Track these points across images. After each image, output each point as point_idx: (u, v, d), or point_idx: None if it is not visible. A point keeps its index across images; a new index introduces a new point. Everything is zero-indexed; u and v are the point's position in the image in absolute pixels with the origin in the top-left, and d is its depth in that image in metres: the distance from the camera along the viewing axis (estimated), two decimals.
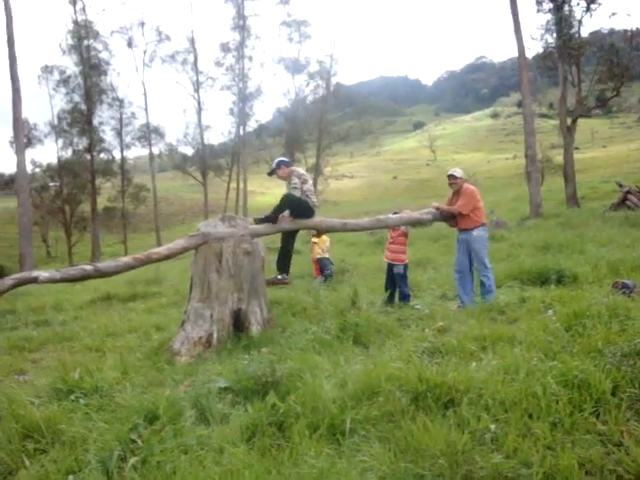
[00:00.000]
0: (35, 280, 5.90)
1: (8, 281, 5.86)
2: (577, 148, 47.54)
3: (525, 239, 14.59)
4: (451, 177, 8.09)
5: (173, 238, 7.20)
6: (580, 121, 31.42)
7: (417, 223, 8.78)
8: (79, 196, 48.75)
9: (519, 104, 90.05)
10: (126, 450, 3.53)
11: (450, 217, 8.18)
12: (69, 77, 47.31)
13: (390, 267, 8.83)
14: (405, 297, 8.56)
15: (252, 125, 54.08)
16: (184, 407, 4.06)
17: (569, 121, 28.85)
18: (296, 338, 6.08)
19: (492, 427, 3.39)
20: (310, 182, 7.98)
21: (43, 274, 5.90)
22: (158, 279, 15.13)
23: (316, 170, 45.67)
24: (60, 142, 48.60)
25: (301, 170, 8.15)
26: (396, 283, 8.75)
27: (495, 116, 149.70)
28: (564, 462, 2.99)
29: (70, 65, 47.40)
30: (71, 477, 3.28)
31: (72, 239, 47.92)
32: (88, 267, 6.13)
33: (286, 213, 7.54)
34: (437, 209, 8.13)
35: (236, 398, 4.33)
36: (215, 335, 6.47)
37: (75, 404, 4.54)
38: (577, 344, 4.59)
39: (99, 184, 48.80)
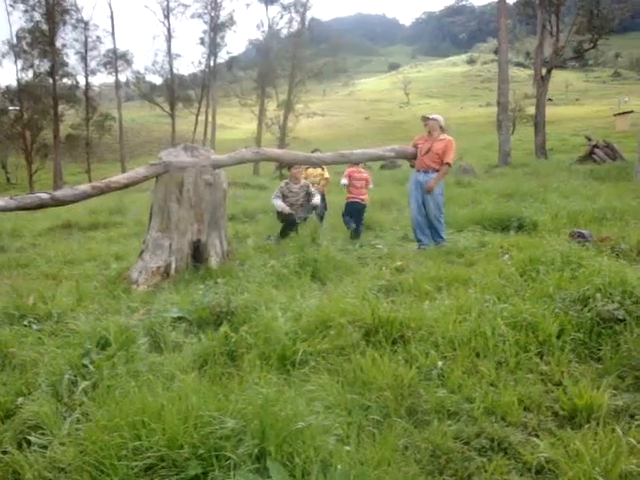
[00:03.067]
0: None
1: None
2: (550, 99, 47.62)
3: (491, 186, 14.74)
4: (425, 119, 8.12)
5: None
6: (555, 72, 31.42)
7: (379, 159, 8.79)
8: (41, 122, 47.00)
9: (496, 51, 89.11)
10: (77, 375, 3.52)
11: (412, 157, 8.19)
12: None
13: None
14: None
15: (223, 56, 53.13)
16: (136, 334, 4.06)
17: (544, 71, 28.74)
18: (254, 271, 6.09)
19: (439, 364, 3.48)
20: None
21: None
22: (121, 209, 14.93)
23: (287, 106, 45.05)
24: (20, 63, 46.46)
25: None
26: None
27: (471, 62, 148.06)
28: (505, 398, 3.10)
29: None
30: (21, 399, 3.27)
31: (33, 166, 46.57)
32: (44, 195, 5.94)
33: None
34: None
35: (190, 327, 4.35)
36: (173, 265, 6.44)
37: (27, 329, 4.51)
38: (529, 289, 4.71)
39: (62, 110, 47.19)
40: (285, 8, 48.34)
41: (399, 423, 2.91)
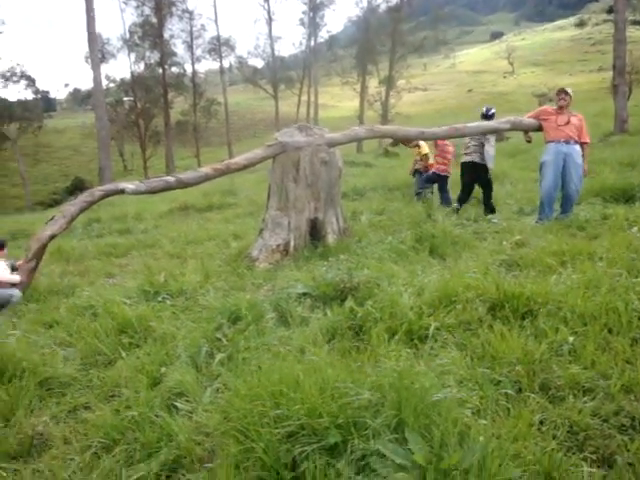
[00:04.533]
0: (122, 192, 6.14)
1: (97, 192, 6.15)
2: None
3: (608, 155, 13.90)
4: (562, 92, 7.84)
5: (245, 151, 7.26)
6: None
7: (494, 132, 8.54)
8: (152, 110, 49.27)
9: (609, 10, 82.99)
10: (212, 347, 3.76)
11: (529, 128, 7.98)
12: None
13: None
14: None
15: (323, 36, 53.01)
16: (265, 309, 4.23)
17: None
18: (372, 248, 6.14)
19: (570, 339, 3.37)
20: None
21: (129, 186, 6.12)
22: (233, 190, 15.43)
23: (388, 82, 44.47)
24: (132, 56, 48.85)
25: None
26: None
27: (581, 24, 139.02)
28: None
29: None
30: (164, 369, 3.52)
31: (147, 153, 48.90)
32: (170, 178, 6.30)
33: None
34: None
35: (315, 303, 4.47)
36: (292, 243, 6.61)
37: (162, 304, 4.83)
38: None
39: (171, 98, 49.01)
40: None
41: (533, 398, 2.86)
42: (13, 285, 5.99)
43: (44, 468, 2.74)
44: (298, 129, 6.91)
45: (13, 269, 6.23)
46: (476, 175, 9.10)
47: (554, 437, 2.60)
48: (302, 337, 3.70)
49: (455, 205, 9.14)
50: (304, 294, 4.56)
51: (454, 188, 10.28)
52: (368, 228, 7.58)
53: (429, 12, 51.55)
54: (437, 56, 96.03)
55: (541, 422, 2.72)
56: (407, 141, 9.72)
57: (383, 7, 48.86)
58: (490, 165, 9.12)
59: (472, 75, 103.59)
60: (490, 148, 9.04)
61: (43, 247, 6.08)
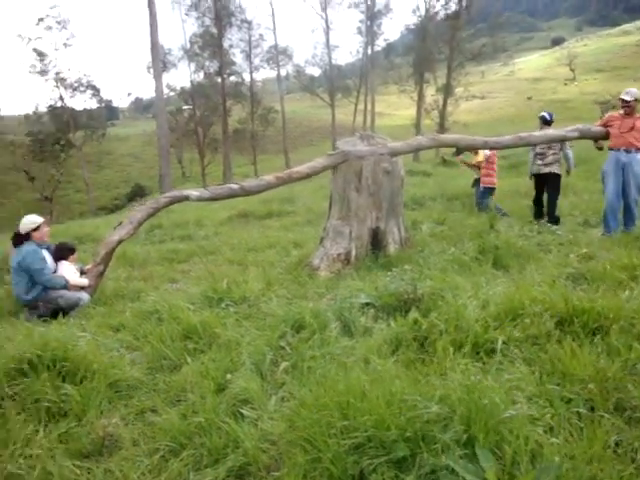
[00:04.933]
0: (186, 198, 6.29)
1: (162, 199, 6.32)
2: None
3: None
4: (621, 100, 7.59)
5: (301, 159, 7.32)
6: None
7: (562, 140, 8.31)
8: (211, 118, 50.35)
9: None
10: (276, 355, 3.78)
11: (599, 137, 7.74)
12: (200, 0, 47.76)
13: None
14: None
15: (380, 44, 53.04)
16: (329, 319, 4.23)
17: None
18: (434, 258, 6.08)
19: None
20: None
21: (194, 193, 6.27)
22: (292, 198, 15.53)
23: (446, 90, 43.98)
24: (192, 66, 50.11)
25: None
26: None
27: None
28: None
29: None
30: (229, 375, 3.56)
31: (205, 160, 49.83)
32: (235, 186, 6.42)
33: None
34: None
35: (378, 313, 4.45)
36: (353, 252, 6.60)
37: (226, 311, 4.88)
38: None
39: (229, 106, 49.87)
40: None
41: (607, 419, 2.76)
42: (82, 288, 6.21)
43: (115, 468, 2.79)
44: (360, 138, 6.92)
45: (82, 273, 6.45)
46: (549, 183, 8.92)
47: (632, 460, 2.51)
48: (366, 347, 3.69)
49: (544, 221, 8.94)
50: (367, 304, 4.55)
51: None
52: (429, 238, 7.51)
53: (488, 19, 50.78)
54: (495, 63, 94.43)
55: (617, 444, 2.62)
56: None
57: (441, 15, 48.42)
58: (573, 168, 9.07)
59: (531, 82, 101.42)
60: (569, 151, 8.91)
61: (111, 252, 6.28)
